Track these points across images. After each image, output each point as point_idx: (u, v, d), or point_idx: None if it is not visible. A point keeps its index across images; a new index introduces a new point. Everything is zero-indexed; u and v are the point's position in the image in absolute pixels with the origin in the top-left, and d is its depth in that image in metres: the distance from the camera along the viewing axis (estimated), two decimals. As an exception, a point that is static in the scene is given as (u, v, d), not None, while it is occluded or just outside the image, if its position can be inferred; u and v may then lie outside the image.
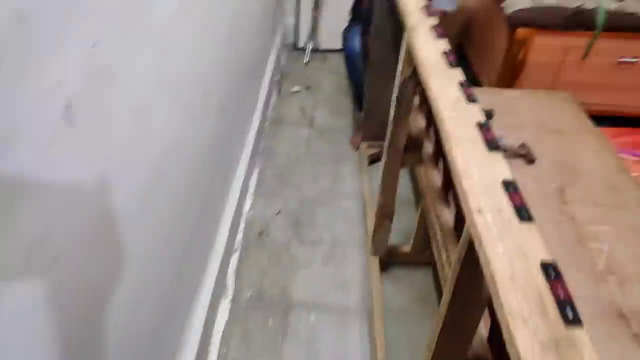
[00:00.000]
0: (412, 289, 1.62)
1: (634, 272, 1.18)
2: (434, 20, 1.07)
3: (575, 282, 1.16)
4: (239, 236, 1.80)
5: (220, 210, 1.70)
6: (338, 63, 2.93)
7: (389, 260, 1.68)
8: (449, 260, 1.18)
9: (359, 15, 2.09)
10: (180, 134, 1.16)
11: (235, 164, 1.91)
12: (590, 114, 2.30)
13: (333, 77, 2.84)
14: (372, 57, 1.86)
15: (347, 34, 2.06)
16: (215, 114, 1.53)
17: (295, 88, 2.73)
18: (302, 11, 2.99)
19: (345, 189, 2.05)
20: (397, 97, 1.22)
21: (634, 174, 1.96)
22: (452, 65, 0.90)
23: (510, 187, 0.61)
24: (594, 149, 1.62)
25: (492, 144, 0.68)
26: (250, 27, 2.03)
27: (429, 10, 1.14)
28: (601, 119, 2.34)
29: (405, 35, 1.10)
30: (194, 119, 1.29)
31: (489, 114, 1.74)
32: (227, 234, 1.67)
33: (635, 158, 2.09)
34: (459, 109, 0.77)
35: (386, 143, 1.33)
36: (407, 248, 1.65)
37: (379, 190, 1.46)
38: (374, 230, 1.56)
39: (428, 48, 0.97)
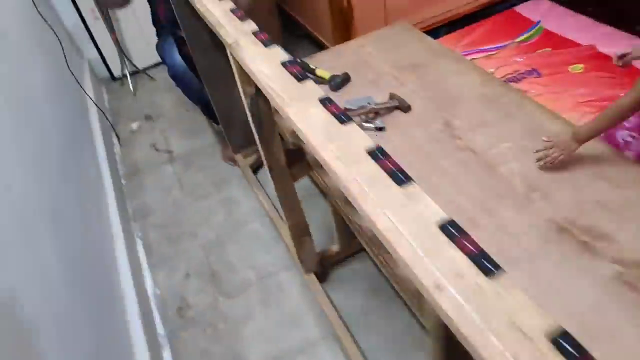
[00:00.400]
0: (361, 284, 1.51)
1: (550, 178, 1.17)
2: (251, 25, 0.88)
3: (507, 215, 1.12)
4: (158, 327, 1.53)
5: (121, 311, 1.41)
6: (166, 76, 2.59)
7: (324, 269, 1.54)
8: (384, 260, 1.07)
9: (164, 27, 1.80)
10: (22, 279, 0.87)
11: (109, 249, 1.60)
12: (428, 29, 2.31)
13: (168, 94, 2.52)
14: (202, 70, 1.61)
15: (162, 51, 1.77)
16: (51, 220, 1.21)
17: (134, 125, 2.37)
18: (99, 40, 2.56)
19: (244, 212, 1.84)
20: (252, 118, 1.03)
21: (491, 70, 2.02)
22: (300, 77, 0.73)
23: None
24: (453, 70, 1.57)
25: (398, 176, 0.53)
26: (44, 95, 1.64)
27: (238, 12, 0.94)
28: (438, 30, 2.37)
29: (229, 52, 0.90)
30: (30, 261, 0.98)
31: (346, 79, 1.63)
32: (142, 334, 1.40)
33: (482, 54, 2.16)
34: (336, 139, 0.61)
35: (266, 166, 1.14)
36: (335, 247, 1.52)
37: (284, 212, 1.29)
38: (297, 251, 1.40)
39: (263, 64, 0.78)
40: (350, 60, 1.74)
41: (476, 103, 1.43)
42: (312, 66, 1.69)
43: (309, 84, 0.72)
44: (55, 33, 1.83)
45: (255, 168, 1.97)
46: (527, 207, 1.13)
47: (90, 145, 2.01)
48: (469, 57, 2.12)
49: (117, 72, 2.71)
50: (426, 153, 1.31)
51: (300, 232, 1.33)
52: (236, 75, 0.95)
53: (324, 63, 1.73)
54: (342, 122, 0.63)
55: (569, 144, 1.14)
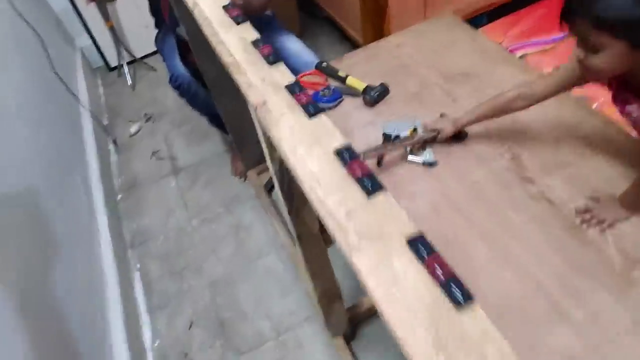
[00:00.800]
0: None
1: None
2: (284, 72, 0.60)
3: (602, 302, 0.86)
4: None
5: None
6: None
7: (353, 327, 1.30)
8: None
9: (164, 20, 1.50)
10: None
11: (101, 287, 1.37)
12: (468, 17, 1.98)
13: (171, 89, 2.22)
14: (210, 81, 1.33)
15: (162, 52, 1.47)
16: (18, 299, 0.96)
17: (134, 128, 2.09)
18: (93, 26, 2.25)
19: (257, 242, 1.58)
20: (280, 185, 0.76)
21: (546, 70, 1.70)
22: (369, 189, 0.46)
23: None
24: (516, 82, 1.27)
25: None
26: (20, 111, 1.36)
27: (265, 45, 0.65)
28: (480, 17, 2.03)
29: (253, 114, 0.62)
30: None
31: (383, 91, 1.33)
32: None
33: (535, 48, 1.83)
34: (453, 345, 0.35)
35: (295, 236, 0.88)
36: (367, 302, 1.28)
37: (311, 278, 1.03)
38: (325, 317, 1.16)
39: (307, 152, 0.50)
40: (387, 64, 1.44)
41: (550, 132, 1.15)
42: (341, 73, 1.40)
43: (385, 199, 0.45)
44: (35, 30, 1.54)
45: (271, 187, 1.70)
46: (628, 290, 0.86)
47: (81, 157, 1.74)
48: (519, 52, 1.80)
49: (113, 62, 2.41)
50: (490, 201, 1.04)
51: (330, 298, 1.08)
52: (260, 137, 0.67)
53: (355, 68, 1.44)
54: (457, 301, 0.36)
55: (616, 211, 0.94)
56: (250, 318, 1.39)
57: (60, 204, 1.36)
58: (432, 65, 1.40)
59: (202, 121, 1.97)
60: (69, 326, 1.08)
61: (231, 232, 1.62)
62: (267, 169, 1.77)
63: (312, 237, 0.89)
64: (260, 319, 1.38)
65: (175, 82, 1.40)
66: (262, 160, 1.72)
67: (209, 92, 1.42)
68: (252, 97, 0.58)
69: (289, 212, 0.81)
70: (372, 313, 1.31)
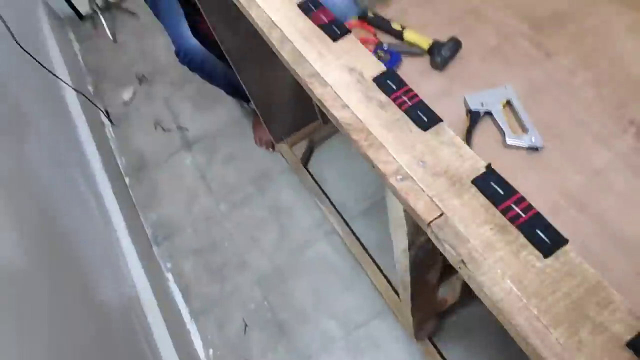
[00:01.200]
0: (485, 336, 1.15)
1: None
2: (462, 151, 0.37)
3: None
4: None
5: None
6: (150, 12, 1.92)
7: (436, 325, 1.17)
8: None
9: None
10: None
11: (131, 299, 1.21)
12: None
13: (160, 38, 1.87)
14: (229, 51, 1.04)
15: (160, 11, 1.15)
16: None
17: (127, 93, 1.78)
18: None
19: (302, 227, 1.39)
20: (411, 266, 0.55)
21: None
22: None
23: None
24: (629, 25, 0.99)
25: None
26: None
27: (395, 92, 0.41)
28: None
29: (388, 197, 0.39)
30: None
31: (455, 48, 1.04)
32: None
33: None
34: None
35: (408, 292, 0.69)
36: (451, 298, 1.13)
37: (410, 304, 0.86)
38: (416, 330, 1.01)
39: (553, 340, 0.29)
40: (449, 9, 1.11)
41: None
42: (395, 26, 1.10)
43: None
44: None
45: (307, 159, 1.47)
46: None
47: (74, 142, 1.47)
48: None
49: (84, 8, 2.00)
50: (623, 197, 0.84)
51: (429, 313, 0.93)
52: (394, 220, 0.45)
53: (408, 16, 1.12)
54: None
55: None
56: (312, 317, 1.25)
57: (68, 209, 1.14)
58: (509, 7, 1.10)
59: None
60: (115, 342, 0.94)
61: (270, 216, 1.42)
62: (300, 139, 1.53)
63: (429, 290, 0.70)
64: (323, 317, 1.24)
65: (185, 58, 1.10)
66: (293, 130, 1.48)
67: (225, 62, 1.13)
68: (418, 204, 0.35)
69: (414, 283, 0.61)
70: (454, 309, 1.17)
